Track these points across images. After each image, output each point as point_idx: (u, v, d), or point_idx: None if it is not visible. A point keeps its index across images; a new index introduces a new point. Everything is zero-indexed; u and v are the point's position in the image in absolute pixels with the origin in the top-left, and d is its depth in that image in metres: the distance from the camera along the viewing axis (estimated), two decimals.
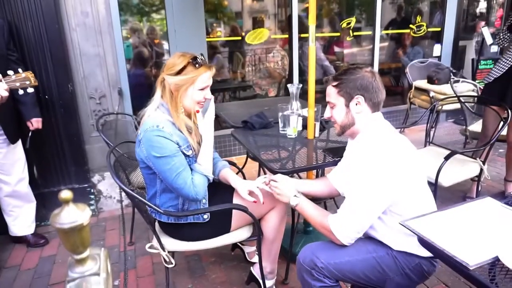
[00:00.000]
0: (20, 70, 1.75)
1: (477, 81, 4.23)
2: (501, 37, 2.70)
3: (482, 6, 5.38)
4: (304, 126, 2.22)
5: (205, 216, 1.65)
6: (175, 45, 3.32)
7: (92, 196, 2.89)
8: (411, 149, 1.37)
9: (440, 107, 3.04)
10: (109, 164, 1.66)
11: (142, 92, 3.71)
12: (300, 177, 2.46)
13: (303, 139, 2.17)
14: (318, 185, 1.72)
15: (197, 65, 1.50)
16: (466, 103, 2.95)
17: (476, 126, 3.09)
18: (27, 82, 1.72)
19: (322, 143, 2.15)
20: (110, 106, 2.84)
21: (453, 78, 3.88)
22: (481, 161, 2.38)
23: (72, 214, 0.51)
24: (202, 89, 1.53)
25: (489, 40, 4.34)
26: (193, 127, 1.61)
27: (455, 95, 3.14)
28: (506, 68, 2.54)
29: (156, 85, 1.57)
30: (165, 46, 3.79)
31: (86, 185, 2.86)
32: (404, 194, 1.32)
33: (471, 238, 1.05)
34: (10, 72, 1.71)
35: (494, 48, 4.82)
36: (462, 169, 2.38)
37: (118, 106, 2.85)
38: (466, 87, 3.69)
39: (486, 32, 4.34)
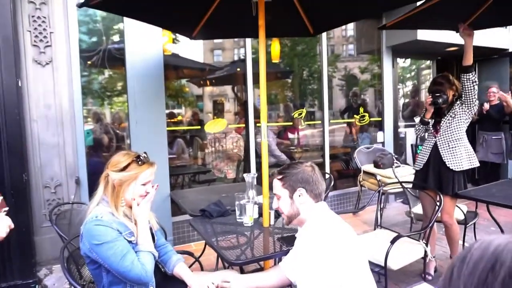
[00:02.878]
0: None
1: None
2: (417, 128, 3.08)
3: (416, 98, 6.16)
4: (260, 214, 2.32)
5: None
6: (136, 134, 3.44)
7: None
8: (353, 237, 1.49)
9: (387, 190, 3.30)
10: (62, 259, 1.63)
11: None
12: (260, 265, 2.47)
13: (259, 227, 2.25)
14: (269, 278, 1.75)
15: (140, 163, 1.62)
16: (408, 189, 3.22)
17: (420, 208, 3.34)
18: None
19: (278, 230, 2.23)
20: (66, 195, 2.81)
21: (396, 163, 4.26)
22: (424, 242, 2.55)
23: None
24: (144, 184, 1.64)
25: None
26: (133, 216, 1.66)
27: (397, 179, 3.43)
28: (426, 158, 2.92)
29: (100, 180, 1.66)
30: (126, 133, 3.91)
31: (30, 281, 2.66)
32: (348, 278, 1.37)
33: None
34: None
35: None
36: (408, 251, 2.52)
37: (74, 195, 2.82)
38: (407, 171, 4.06)
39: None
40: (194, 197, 3.16)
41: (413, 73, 6.54)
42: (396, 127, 5.34)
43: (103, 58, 3.45)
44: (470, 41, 2.68)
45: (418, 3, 2.58)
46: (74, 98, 2.91)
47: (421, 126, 3.01)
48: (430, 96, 2.82)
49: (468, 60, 2.68)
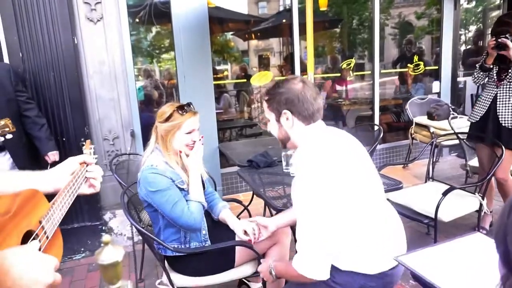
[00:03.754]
0: None
1: None
2: (475, 75, 2.76)
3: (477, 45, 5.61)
4: None
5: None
6: (184, 89, 3.51)
7: (103, 233, 2.98)
8: (350, 148, 1.35)
9: (440, 142, 3.14)
10: (123, 203, 1.79)
11: None
12: None
13: None
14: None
15: (181, 112, 1.68)
16: (464, 140, 3.03)
17: (476, 161, 3.16)
18: (6, 129, 1.83)
19: None
20: (123, 147, 3.00)
21: (452, 114, 4.01)
22: (480, 195, 2.44)
23: (110, 253, 0.67)
24: (188, 133, 1.70)
25: None
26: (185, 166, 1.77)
27: (453, 131, 3.24)
28: (484, 110, 2.65)
29: (152, 131, 1.77)
30: (175, 88, 4.01)
31: (97, 223, 2.96)
32: (346, 203, 1.25)
33: (462, 274, 1.11)
34: None
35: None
36: (461, 204, 2.44)
37: (130, 147, 3.01)
38: (465, 123, 3.80)
39: None
40: (241, 149, 3.24)
41: (479, 15, 5.90)
42: (454, 76, 4.94)
43: (149, 13, 3.49)
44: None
45: None
46: (125, 54, 3.01)
47: (481, 73, 2.70)
48: (494, 39, 2.47)
49: None
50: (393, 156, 4.70)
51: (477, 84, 2.85)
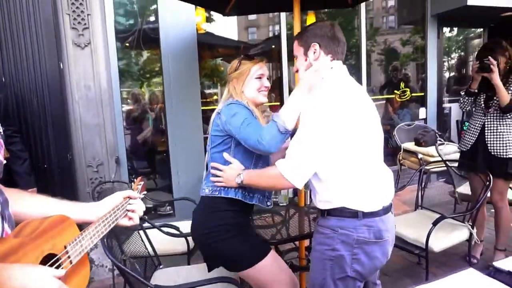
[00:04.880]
0: None
1: None
2: (461, 100, 2.77)
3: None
4: (295, 193, 2.29)
5: (268, 203, 1.72)
6: (172, 113, 3.47)
7: None
8: (366, 99, 1.44)
9: (429, 169, 3.14)
10: (102, 241, 1.69)
11: (138, 158, 3.82)
12: (295, 245, 2.47)
13: (294, 206, 2.23)
14: None
15: (249, 59, 1.71)
16: (452, 167, 3.03)
17: (465, 188, 3.16)
18: None
19: (314, 210, 2.20)
20: (107, 174, 2.93)
21: (439, 140, 4.05)
22: (470, 224, 2.42)
23: None
24: (258, 78, 1.70)
25: None
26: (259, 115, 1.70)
27: (441, 158, 3.26)
28: (474, 139, 2.65)
29: (225, 87, 1.77)
30: (163, 112, 3.98)
31: None
32: (348, 143, 1.33)
33: None
34: None
35: None
36: (451, 233, 2.41)
37: (114, 174, 2.93)
38: (452, 149, 3.84)
39: None
40: None
41: (460, 44, 6.09)
42: (440, 102, 5.03)
43: (138, 39, 3.49)
44: (494, 77, 2.38)
45: None
46: (112, 79, 2.99)
47: (467, 98, 2.71)
48: (478, 62, 2.50)
49: (504, 98, 2.39)
50: None
51: (464, 110, 2.86)
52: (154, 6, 3.44)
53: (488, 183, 2.38)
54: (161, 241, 2.34)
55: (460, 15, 4.70)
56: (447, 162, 2.99)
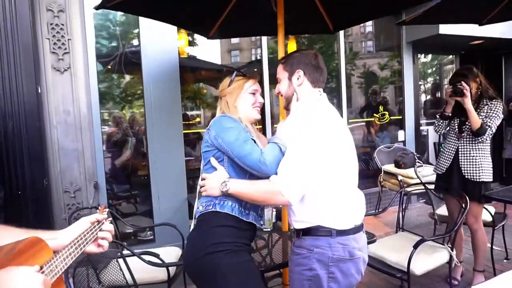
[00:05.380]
0: None
1: None
2: (436, 124, 2.85)
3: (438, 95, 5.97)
4: (279, 218, 2.27)
5: (261, 222, 1.66)
6: (153, 136, 3.44)
7: None
8: (343, 126, 1.53)
9: (409, 190, 3.18)
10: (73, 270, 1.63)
11: (118, 182, 3.73)
12: (279, 271, 2.43)
13: (278, 231, 2.21)
14: None
15: (242, 76, 1.70)
16: (431, 190, 3.07)
17: (443, 209, 3.21)
18: None
19: None
20: (85, 200, 2.84)
21: (418, 162, 4.13)
22: (449, 246, 2.44)
23: None
24: (252, 94, 1.67)
25: None
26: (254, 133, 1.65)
27: (420, 180, 3.32)
28: (448, 163, 2.72)
29: (217, 104, 1.73)
30: (144, 136, 3.93)
31: None
32: (329, 165, 1.40)
33: None
34: None
35: None
36: (432, 256, 2.42)
37: (93, 200, 2.85)
38: (430, 171, 3.92)
39: None
40: None
41: (435, 69, 6.34)
42: (417, 125, 5.18)
43: (120, 63, 3.48)
44: (467, 102, 2.49)
45: None
46: (92, 104, 2.95)
47: (441, 121, 2.80)
48: (451, 87, 2.59)
49: (475, 122, 2.50)
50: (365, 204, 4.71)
51: (438, 133, 2.94)
52: (136, 30, 3.46)
53: (464, 205, 2.42)
54: (140, 268, 2.27)
55: (433, 42, 4.93)
56: (426, 185, 3.04)
